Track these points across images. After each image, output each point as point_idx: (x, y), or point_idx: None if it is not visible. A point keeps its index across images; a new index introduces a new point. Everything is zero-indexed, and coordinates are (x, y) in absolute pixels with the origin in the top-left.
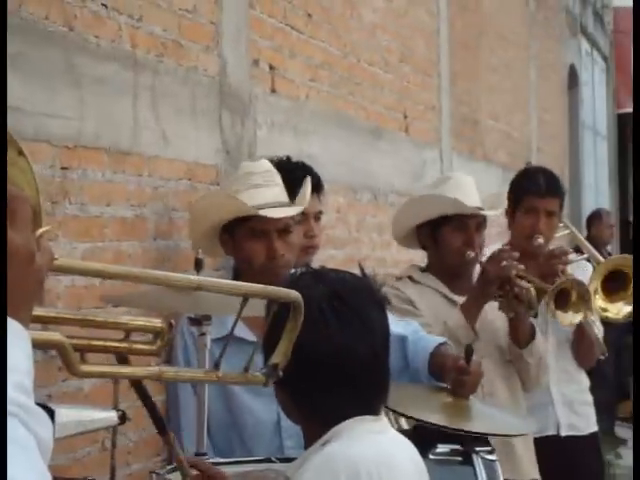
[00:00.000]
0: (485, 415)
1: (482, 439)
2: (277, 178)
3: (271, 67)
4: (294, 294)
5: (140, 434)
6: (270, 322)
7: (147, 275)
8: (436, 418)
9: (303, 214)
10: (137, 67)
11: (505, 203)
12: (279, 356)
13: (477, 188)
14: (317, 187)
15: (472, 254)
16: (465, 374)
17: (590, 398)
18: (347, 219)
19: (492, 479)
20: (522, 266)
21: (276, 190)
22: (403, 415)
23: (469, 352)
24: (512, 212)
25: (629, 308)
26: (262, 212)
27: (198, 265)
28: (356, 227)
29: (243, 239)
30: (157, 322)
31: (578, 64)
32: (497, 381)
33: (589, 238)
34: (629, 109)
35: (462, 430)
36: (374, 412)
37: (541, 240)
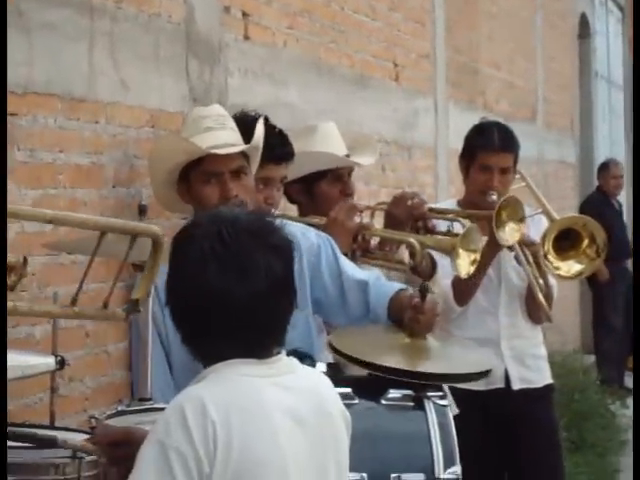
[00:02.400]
0: (442, 355)
1: (434, 385)
2: (230, 122)
3: (244, 14)
4: (153, 229)
5: (98, 381)
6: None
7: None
8: (392, 360)
9: (267, 179)
10: (93, 13)
11: (371, 145)
12: (139, 292)
13: None
14: (287, 156)
15: (349, 201)
16: (420, 312)
17: (544, 352)
18: None
19: (443, 424)
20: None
21: (229, 133)
22: (356, 360)
23: (424, 290)
24: (466, 167)
25: (579, 267)
26: (213, 151)
27: (142, 211)
28: None
29: (197, 184)
30: (11, 257)
31: (590, 13)
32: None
33: (598, 188)
34: None
35: (418, 373)
36: (258, 355)
37: (495, 197)
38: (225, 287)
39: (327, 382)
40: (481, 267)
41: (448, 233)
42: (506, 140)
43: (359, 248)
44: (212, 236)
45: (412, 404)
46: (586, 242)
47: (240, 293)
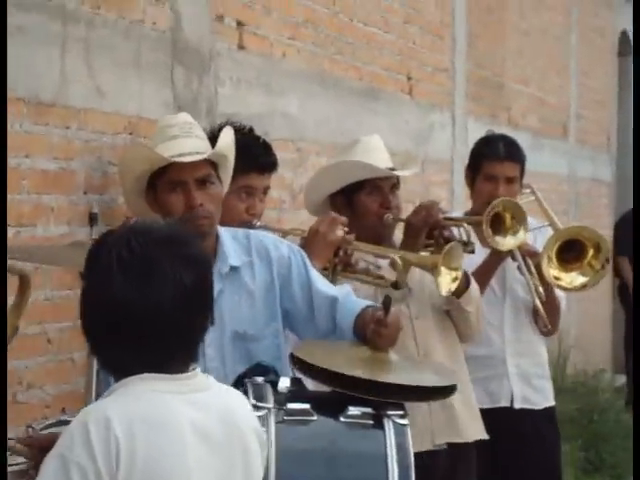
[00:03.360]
0: (403, 369)
1: (396, 403)
2: (197, 130)
3: (239, 23)
4: (20, 268)
5: (60, 388)
6: None
7: None
8: (353, 371)
9: (250, 189)
10: (67, 18)
11: (416, 162)
12: (8, 329)
13: None
14: (271, 166)
15: (390, 216)
16: (382, 325)
17: (547, 372)
18: None
19: (401, 444)
20: (446, 209)
21: (195, 141)
22: (313, 366)
23: (387, 304)
24: (472, 179)
25: (582, 279)
26: (176, 159)
27: (92, 220)
28: None
29: (163, 193)
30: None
31: (632, 30)
32: (433, 340)
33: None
34: None
35: (379, 383)
36: (168, 370)
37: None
38: (129, 296)
39: (242, 401)
40: (483, 277)
41: (466, 243)
42: (511, 150)
43: (340, 262)
44: (121, 244)
45: (371, 422)
46: (591, 253)
47: (144, 303)
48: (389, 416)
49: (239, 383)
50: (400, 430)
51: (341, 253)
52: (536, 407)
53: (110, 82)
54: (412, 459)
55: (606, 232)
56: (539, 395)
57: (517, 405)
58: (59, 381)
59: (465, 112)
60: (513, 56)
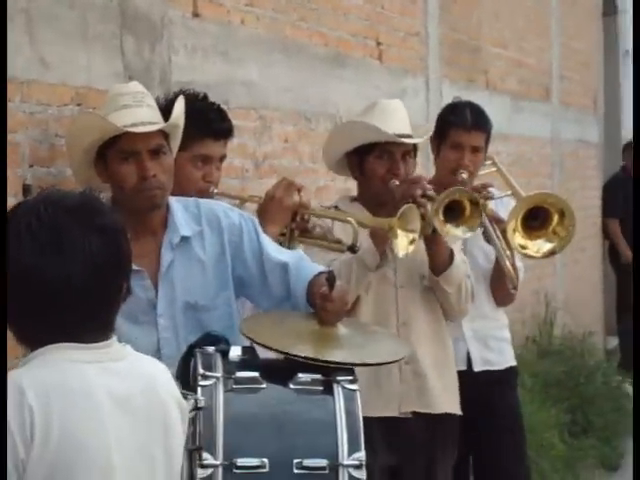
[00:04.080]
0: (350, 343)
1: (345, 368)
2: (149, 99)
3: None
4: None
5: None
6: None
7: None
8: (299, 348)
9: (205, 157)
10: None
11: (424, 127)
12: None
13: None
14: (226, 132)
15: (396, 182)
16: (328, 301)
17: (507, 335)
18: (298, 148)
19: (350, 409)
20: (430, 187)
21: (146, 110)
22: (260, 344)
23: (331, 279)
24: (437, 146)
25: (549, 245)
26: (130, 129)
27: (26, 191)
28: (310, 157)
29: (114, 163)
30: None
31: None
32: (414, 310)
33: (623, 168)
34: None
35: (325, 361)
36: (83, 340)
37: (465, 175)
38: (38, 265)
39: (162, 370)
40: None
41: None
42: (479, 119)
43: (297, 227)
44: (30, 213)
45: (321, 388)
46: (556, 220)
47: (53, 272)
48: (339, 382)
49: (190, 353)
50: (349, 395)
51: (298, 218)
52: (497, 367)
53: (55, 53)
54: (361, 424)
55: (594, 194)
56: (498, 355)
57: (477, 368)
58: None
59: (439, 77)
60: (489, 18)
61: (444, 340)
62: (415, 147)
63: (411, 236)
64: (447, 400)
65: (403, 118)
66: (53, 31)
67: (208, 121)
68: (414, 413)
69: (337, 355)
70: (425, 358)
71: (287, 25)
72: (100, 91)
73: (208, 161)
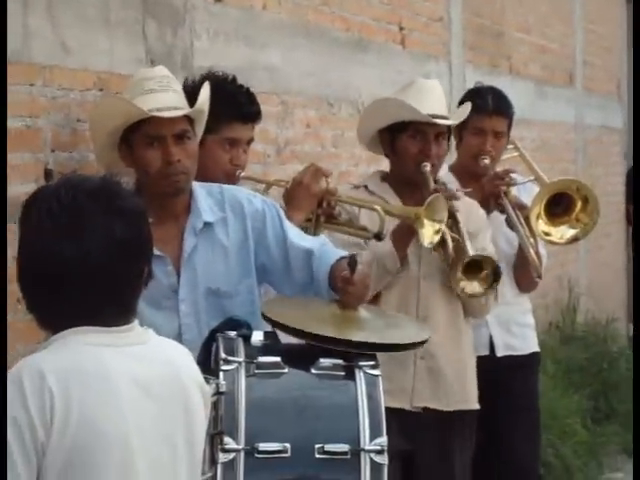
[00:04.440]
0: (371, 326)
1: (367, 354)
2: (175, 84)
3: None
4: None
5: None
6: None
7: None
8: (320, 329)
9: (233, 140)
10: None
11: (462, 109)
12: None
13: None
14: (254, 116)
15: (427, 165)
16: (349, 284)
17: (531, 321)
18: (320, 133)
19: (372, 394)
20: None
21: (172, 95)
22: (280, 325)
23: (353, 263)
24: (459, 132)
25: (572, 232)
26: (155, 114)
27: (48, 176)
28: (332, 142)
29: (139, 147)
30: None
31: None
32: (435, 303)
33: None
34: None
35: (345, 340)
36: (104, 323)
37: (487, 161)
38: (58, 248)
39: (185, 354)
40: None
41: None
42: (501, 104)
43: (323, 213)
44: (51, 197)
45: (343, 373)
46: (579, 206)
47: (73, 254)
48: (360, 367)
49: (212, 338)
50: (371, 380)
51: (324, 204)
52: (520, 353)
53: (76, 37)
54: (383, 409)
55: (618, 180)
56: (521, 341)
57: (499, 353)
58: None
59: (462, 62)
60: (513, 3)
61: (462, 335)
62: (449, 129)
63: (437, 226)
64: (462, 398)
65: (439, 98)
66: (74, 15)
67: (237, 104)
68: (425, 409)
69: (359, 335)
70: (441, 354)
71: (309, 10)
72: (122, 76)
73: (236, 144)
